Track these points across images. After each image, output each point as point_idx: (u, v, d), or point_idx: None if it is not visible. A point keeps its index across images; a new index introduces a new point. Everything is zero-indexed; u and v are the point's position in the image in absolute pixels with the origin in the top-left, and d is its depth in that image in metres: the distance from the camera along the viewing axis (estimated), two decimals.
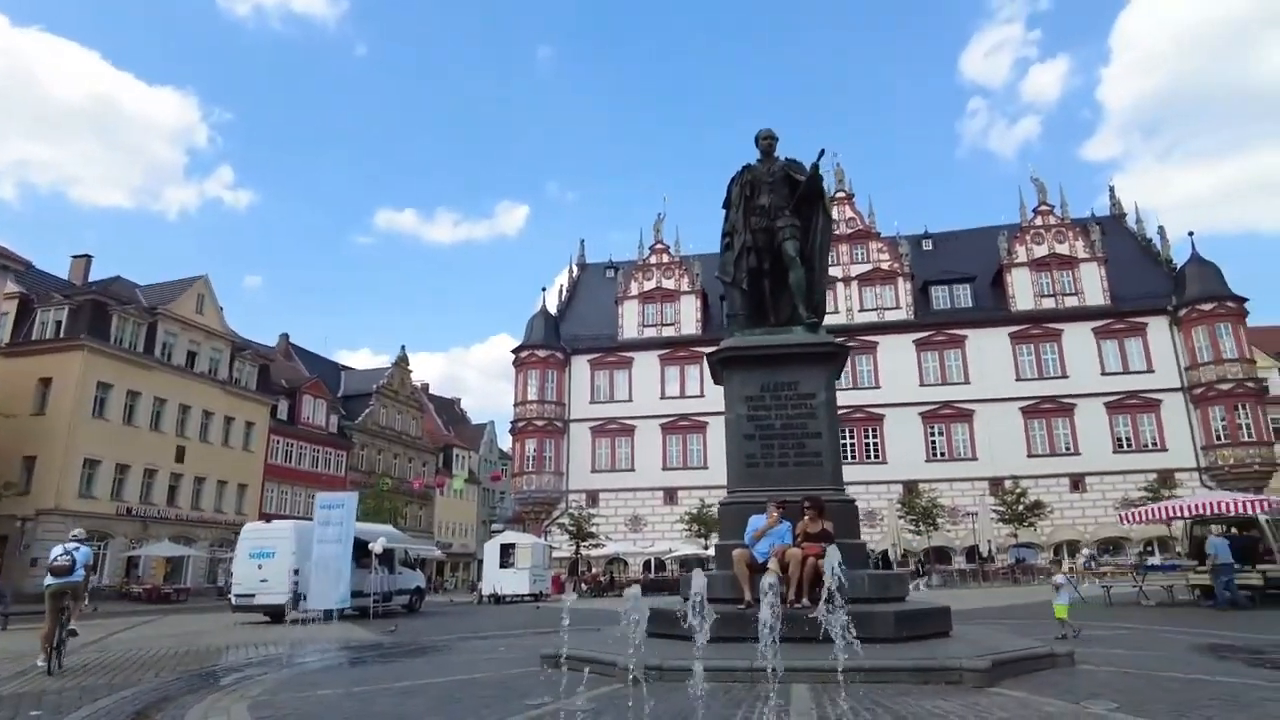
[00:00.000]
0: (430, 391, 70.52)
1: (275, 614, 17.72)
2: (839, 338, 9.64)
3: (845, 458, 37.86)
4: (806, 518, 7.81)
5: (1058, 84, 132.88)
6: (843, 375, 36.87)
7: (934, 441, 38.05)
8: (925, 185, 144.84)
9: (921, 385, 38.60)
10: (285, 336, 54.70)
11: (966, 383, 38.22)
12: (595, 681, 6.58)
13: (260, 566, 18.37)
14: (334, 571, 16.77)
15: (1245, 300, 36.99)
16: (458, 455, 63.57)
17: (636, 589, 11.42)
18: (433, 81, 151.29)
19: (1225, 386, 35.77)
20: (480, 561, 39.02)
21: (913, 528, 34.51)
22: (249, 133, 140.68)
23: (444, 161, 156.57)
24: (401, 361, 56.67)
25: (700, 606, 6.39)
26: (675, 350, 41.40)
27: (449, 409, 73.37)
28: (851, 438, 38.55)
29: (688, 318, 42.44)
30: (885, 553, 35.27)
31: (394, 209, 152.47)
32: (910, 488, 36.78)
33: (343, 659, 10.12)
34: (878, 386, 38.85)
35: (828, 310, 39.28)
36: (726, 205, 9.85)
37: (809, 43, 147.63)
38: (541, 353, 41.85)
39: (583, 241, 51.13)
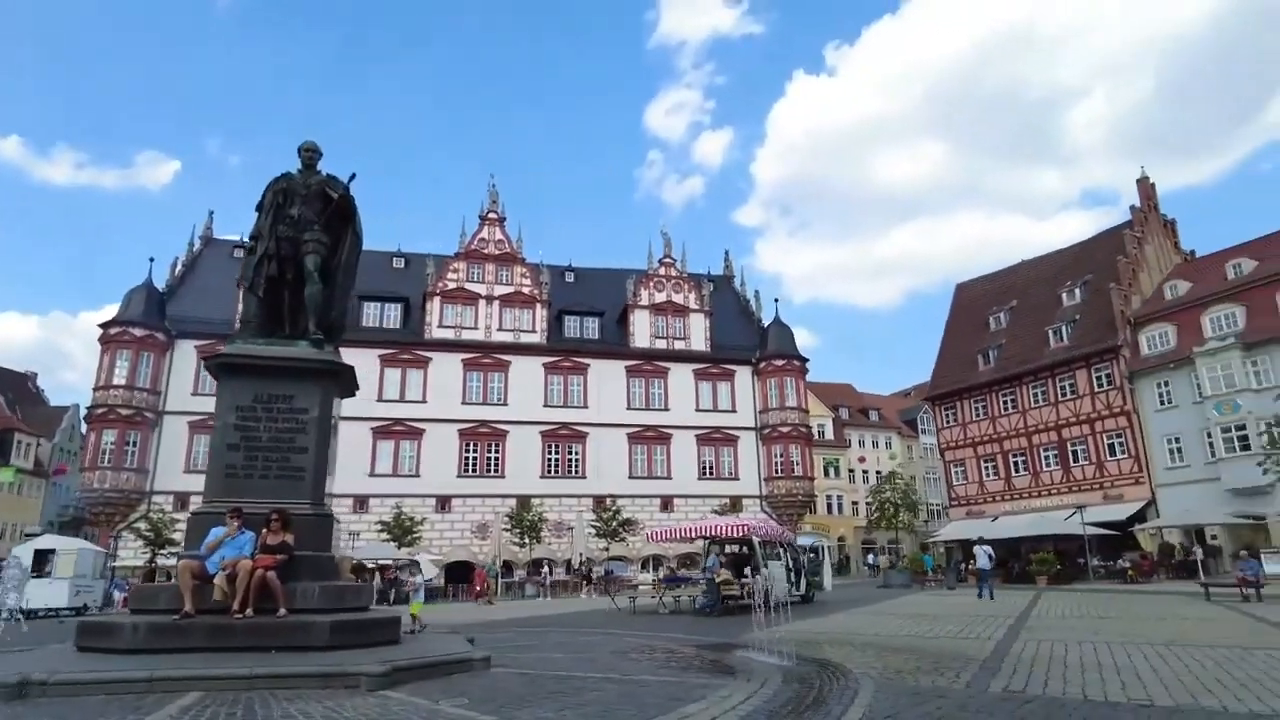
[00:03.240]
0: None
1: None
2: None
3: (468, 471, 39.04)
4: (269, 529, 7.92)
5: (722, 152, 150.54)
6: (475, 392, 37.15)
7: (551, 459, 40.31)
8: (602, 222, 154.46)
9: (545, 406, 40.74)
10: None
11: (585, 407, 41.17)
12: None
13: None
14: None
15: (807, 360, 44.89)
16: (21, 441, 53.09)
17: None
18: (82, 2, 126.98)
19: (785, 429, 42.84)
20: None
21: (517, 540, 36.15)
22: None
23: (76, 91, 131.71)
24: None
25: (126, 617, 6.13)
26: None
27: (18, 385, 61.14)
28: (474, 451, 39.42)
29: None
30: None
31: None
32: (524, 502, 38.44)
33: None
34: (505, 404, 40.21)
35: (468, 324, 39.61)
36: (259, 209, 9.70)
37: (512, 58, 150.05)
38: (138, 331, 36.83)
39: (211, 213, 45.72)
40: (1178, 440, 34.91)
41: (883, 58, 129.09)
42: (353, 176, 9.58)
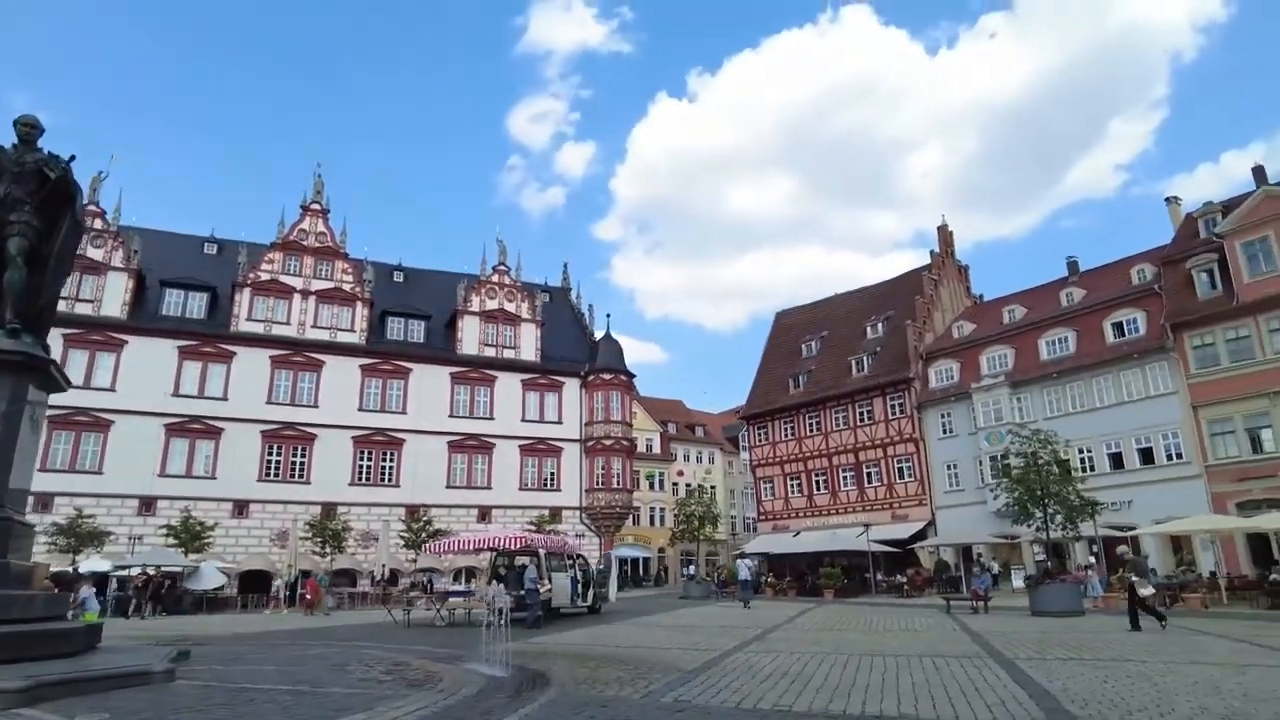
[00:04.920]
0: None
1: None
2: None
3: (270, 474, 36.91)
4: None
5: (583, 165, 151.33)
6: (284, 391, 34.97)
7: (362, 466, 38.83)
8: (457, 225, 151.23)
9: (360, 410, 39.24)
10: None
11: (404, 413, 39.99)
12: None
13: None
14: None
15: (634, 376, 45.94)
16: None
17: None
18: None
19: (609, 442, 43.50)
20: None
21: (319, 549, 34.57)
22: None
23: None
24: None
25: None
26: (89, 332, 35.48)
27: None
28: (279, 454, 37.37)
29: (113, 297, 36.75)
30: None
31: None
32: (329, 509, 36.85)
33: None
34: (316, 406, 38.36)
35: (280, 319, 37.28)
36: None
37: (368, 48, 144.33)
38: None
39: None
40: (955, 466, 38.45)
41: (741, 90, 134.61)
42: (72, 158, 9.01)
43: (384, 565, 33.39)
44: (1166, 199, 39.08)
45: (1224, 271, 31.44)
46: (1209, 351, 31.24)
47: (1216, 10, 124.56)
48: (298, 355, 38.68)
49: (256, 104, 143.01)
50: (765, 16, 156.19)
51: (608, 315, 51.38)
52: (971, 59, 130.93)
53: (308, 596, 29.54)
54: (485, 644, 9.55)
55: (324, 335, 39.60)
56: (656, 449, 62.15)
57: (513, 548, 19.69)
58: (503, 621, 9.63)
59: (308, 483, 37.51)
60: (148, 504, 34.71)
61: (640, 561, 58.99)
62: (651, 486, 59.73)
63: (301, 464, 37.75)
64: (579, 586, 20.20)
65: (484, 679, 8.46)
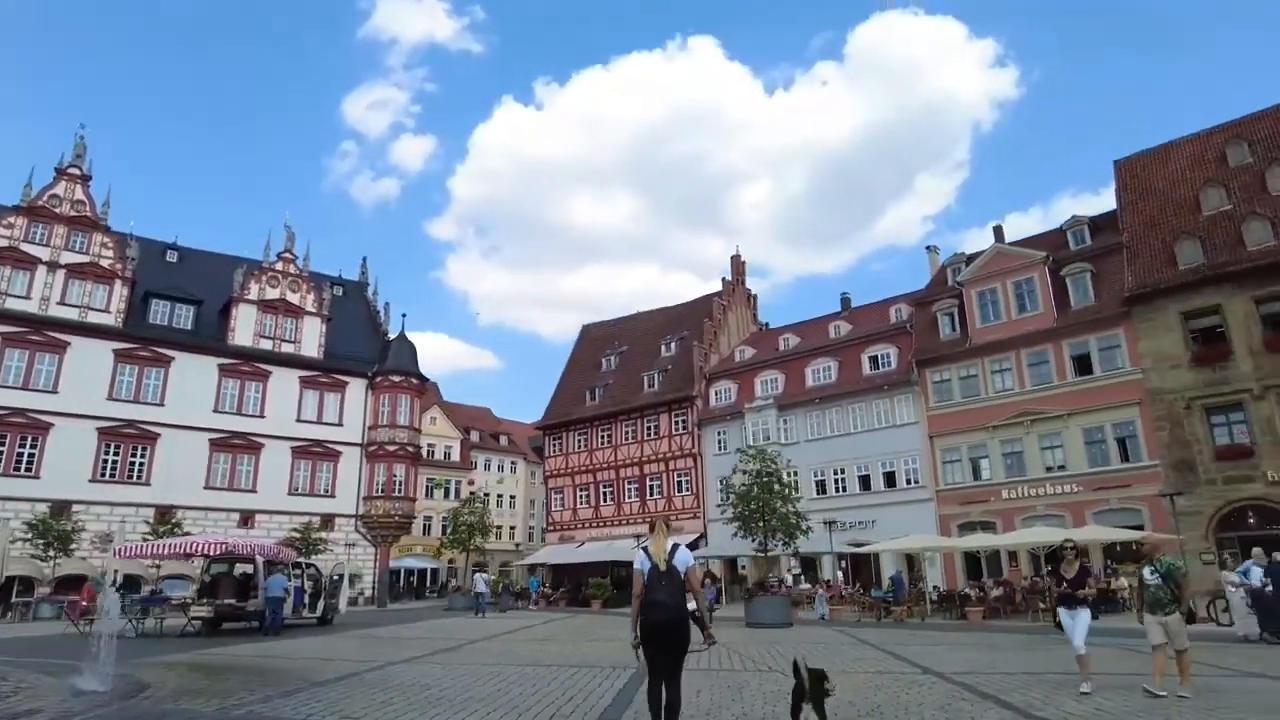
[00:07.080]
0: None
1: None
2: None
3: None
4: None
5: (422, 160, 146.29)
6: (15, 374, 31.17)
7: (107, 460, 35.24)
8: (275, 209, 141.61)
9: (110, 399, 35.62)
10: None
11: (161, 404, 36.71)
12: None
13: None
14: None
15: (426, 380, 44.85)
16: None
17: None
18: None
19: (393, 448, 42.08)
20: None
21: (40, 553, 31.01)
22: None
23: None
24: None
25: None
26: None
27: None
28: (2, 445, 33.19)
29: None
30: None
31: None
32: (63, 508, 33.17)
33: None
34: (55, 391, 34.43)
35: (18, 292, 33.19)
36: None
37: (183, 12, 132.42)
38: None
39: None
40: (727, 481, 40.39)
41: (587, 104, 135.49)
42: None
43: (116, 571, 30.35)
44: (926, 247, 43.36)
45: (963, 316, 35.17)
46: (945, 387, 34.79)
47: (1009, 90, 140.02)
48: (36, 334, 34.60)
49: (25, 54, 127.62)
50: (616, 36, 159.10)
51: (403, 315, 50.38)
52: (805, 102, 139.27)
53: (84, 603, 26.46)
54: (97, 657, 8.91)
55: (72, 314, 35.66)
56: (456, 457, 60.94)
57: (218, 554, 18.54)
58: (114, 632, 9.03)
59: (37, 477, 33.53)
60: None
61: (429, 572, 57.45)
62: (445, 495, 58.31)
63: (31, 456, 33.70)
64: (305, 596, 19.34)
65: (73, 693, 7.90)
